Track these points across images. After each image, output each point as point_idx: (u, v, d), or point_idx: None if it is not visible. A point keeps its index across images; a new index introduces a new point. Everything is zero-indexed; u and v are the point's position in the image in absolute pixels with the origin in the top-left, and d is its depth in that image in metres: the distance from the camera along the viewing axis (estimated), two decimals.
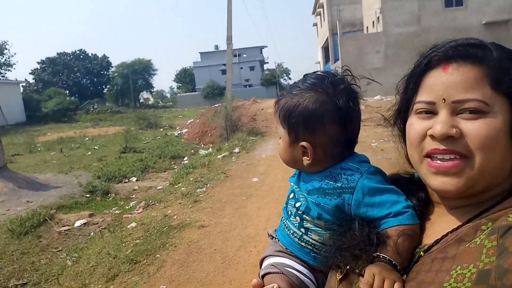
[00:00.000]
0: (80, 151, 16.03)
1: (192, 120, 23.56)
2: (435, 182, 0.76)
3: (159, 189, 8.93)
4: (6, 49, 46.12)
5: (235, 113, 17.25)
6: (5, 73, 45.39)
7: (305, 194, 0.94)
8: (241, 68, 64.13)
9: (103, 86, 57.56)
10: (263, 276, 0.98)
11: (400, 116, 0.88)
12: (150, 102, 66.13)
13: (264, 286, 0.94)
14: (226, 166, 9.95)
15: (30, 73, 53.15)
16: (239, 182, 8.02)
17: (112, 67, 57.50)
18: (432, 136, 0.76)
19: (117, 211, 7.50)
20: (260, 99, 35.64)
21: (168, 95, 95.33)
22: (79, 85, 54.03)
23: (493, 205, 0.74)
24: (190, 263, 4.28)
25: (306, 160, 0.93)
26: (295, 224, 0.98)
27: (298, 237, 0.97)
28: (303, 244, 0.97)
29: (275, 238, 1.06)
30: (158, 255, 4.57)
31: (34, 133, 23.98)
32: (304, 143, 0.92)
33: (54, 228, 6.48)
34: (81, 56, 55.53)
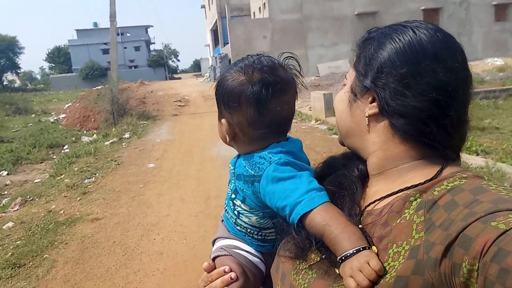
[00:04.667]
0: None
1: (70, 104, 21.39)
2: None
3: (37, 182, 7.93)
4: None
5: (122, 96, 16.12)
6: None
7: (234, 179, 0.96)
8: (125, 48, 59.78)
9: None
10: (213, 259, 1.00)
11: None
12: (16, 85, 57.95)
13: (215, 268, 0.97)
14: (116, 153, 9.30)
15: None
16: (133, 169, 7.57)
17: None
18: None
19: None
20: (148, 81, 34.20)
21: (39, 77, 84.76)
22: None
23: (408, 171, 0.78)
24: (86, 259, 3.89)
25: (227, 138, 0.96)
26: (231, 208, 1.01)
27: (233, 220, 1.01)
28: (238, 227, 1.00)
29: (223, 221, 1.08)
30: (46, 255, 4.04)
31: None
32: (223, 120, 0.95)
33: None
34: None
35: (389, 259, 0.69)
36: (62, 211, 5.40)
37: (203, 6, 45.67)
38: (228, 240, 1.02)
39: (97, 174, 7.35)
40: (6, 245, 4.54)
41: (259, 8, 28.39)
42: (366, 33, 0.85)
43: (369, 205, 0.80)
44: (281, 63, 0.94)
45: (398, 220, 0.72)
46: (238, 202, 0.97)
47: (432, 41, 0.74)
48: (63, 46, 62.80)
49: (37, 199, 6.47)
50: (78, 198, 5.92)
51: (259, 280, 1.00)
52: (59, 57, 62.09)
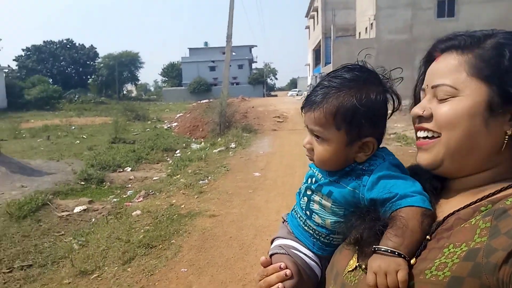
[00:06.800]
0: (68, 139, 15.69)
1: (181, 114, 23.38)
2: (418, 157, 0.86)
3: (155, 179, 8.85)
4: None
5: (229, 110, 17.22)
6: None
7: (326, 175, 0.93)
8: (230, 65, 63.81)
9: (88, 77, 56.42)
10: (271, 256, 1.00)
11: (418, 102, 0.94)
12: (133, 95, 65.16)
13: (271, 264, 0.97)
14: (224, 160, 9.92)
15: (13, 60, 51.63)
16: (241, 175, 8.02)
17: (99, 58, 56.44)
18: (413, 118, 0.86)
19: (115, 199, 7.38)
20: (247, 97, 35.89)
21: (152, 89, 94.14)
22: (63, 74, 52.71)
23: (499, 190, 0.76)
24: (207, 249, 4.27)
25: (364, 156, 0.90)
26: (302, 206, 0.99)
27: (303, 220, 0.99)
28: (306, 228, 0.99)
29: (286, 221, 1.08)
30: (173, 241, 4.53)
31: (16, 119, 23.30)
32: (369, 139, 0.88)
33: (55, 212, 6.33)
34: (68, 46, 54.29)
35: (441, 257, 0.69)
36: (182, 206, 5.98)
37: (307, 27, 46.65)
38: (287, 240, 1.02)
39: (209, 177, 7.95)
40: (138, 228, 5.18)
41: (366, 28, 28.01)
42: (474, 37, 0.80)
43: (447, 217, 0.77)
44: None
45: (463, 224, 0.72)
46: (317, 198, 0.94)
47: None
48: (176, 62, 69.34)
49: (158, 193, 7.23)
50: (195, 196, 6.48)
51: (313, 283, 0.99)
52: (172, 72, 68.62)
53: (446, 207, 0.82)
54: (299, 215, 1.00)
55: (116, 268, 4.01)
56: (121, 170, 9.99)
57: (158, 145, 13.36)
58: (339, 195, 0.89)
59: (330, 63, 26.39)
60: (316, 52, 38.77)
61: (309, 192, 0.96)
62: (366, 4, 24.27)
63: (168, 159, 11.60)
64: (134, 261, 4.10)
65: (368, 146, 0.89)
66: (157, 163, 11.32)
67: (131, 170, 10.09)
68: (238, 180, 7.62)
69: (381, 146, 0.94)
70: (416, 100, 0.92)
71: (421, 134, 0.83)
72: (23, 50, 52.39)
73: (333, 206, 0.91)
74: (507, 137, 0.76)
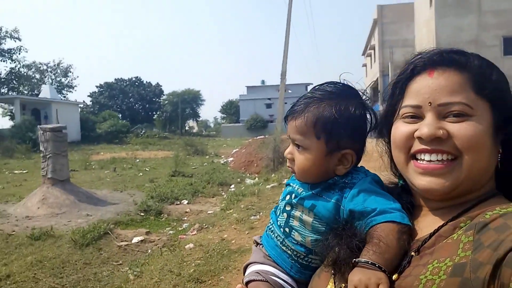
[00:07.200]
0: (132, 172, 16.64)
1: (237, 149, 23.93)
2: (422, 182, 0.77)
3: (210, 213, 9.03)
4: (71, 72, 50.05)
5: (282, 146, 17.32)
6: (67, 94, 49.01)
7: (308, 188, 0.92)
8: (285, 103, 64.62)
9: (154, 112, 60.23)
10: (247, 283, 0.95)
11: (386, 122, 0.89)
12: (194, 130, 68.05)
13: None
14: (277, 196, 9.85)
15: (88, 96, 56.80)
16: None
17: (164, 95, 60.28)
18: (419, 139, 0.77)
19: (171, 231, 7.62)
20: None
21: (212, 125, 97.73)
22: (131, 110, 56.86)
23: (474, 204, 0.75)
24: None
25: (343, 169, 0.90)
26: (281, 223, 0.96)
27: (281, 240, 0.96)
28: (283, 248, 0.95)
29: (260, 245, 1.04)
30: (222, 277, 4.56)
31: (88, 151, 25.30)
32: (348, 151, 0.89)
33: (115, 242, 6.67)
34: (136, 83, 58.76)
35: (426, 272, 0.68)
36: (233, 241, 6.01)
37: (364, 65, 46.40)
38: (263, 266, 0.97)
39: (261, 213, 7.95)
40: (189, 262, 5.27)
41: None
42: (466, 54, 0.80)
43: (433, 234, 0.76)
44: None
45: (445, 240, 0.72)
46: (298, 213, 0.92)
47: None
48: (234, 100, 71.91)
49: (211, 227, 7.35)
50: (246, 232, 6.50)
51: None
52: (230, 109, 71.14)
53: (423, 224, 0.81)
54: (276, 234, 0.97)
55: None
56: (179, 202, 10.35)
57: (214, 179, 13.71)
58: (323, 209, 0.88)
59: None
60: (374, 90, 38.22)
61: (288, 208, 0.95)
62: (426, 41, 23.70)
63: (223, 193, 11.83)
64: None
65: (347, 159, 0.90)
66: (213, 197, 11.58)
67: (187, 203, 10.40)
68: None
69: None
70: (387, 117, 0.88)
71: (433, 157, 0.76)
72: (96, 87, 57.43)
73: (314, 221, 0.89)
74: (499, 156, 0.77)
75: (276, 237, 0.97)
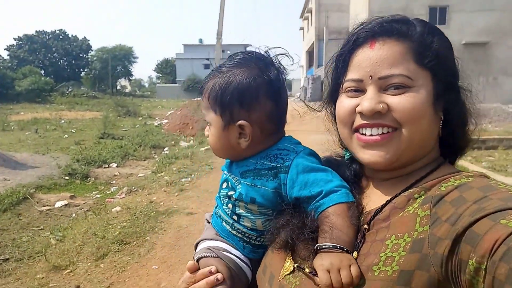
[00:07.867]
0: (56, 133, 15.63)
1: (172, 111, 23.33)
2: (365, 155, 0.78)
3: (140, 176, 8.89)
4: None
5: None
6: None
7: (239, 177, 0.90)
8: None
9: (81, 70, 56.02)
10: (198, 260, 0.93)
11: (333, 97, 0.88)
12: (127, 90, 64.77)
13: (199, 269, 0.91)
14: (210, 159, 9.98)
15: (5, 49, 51.12)
16: None
17: (92, 50, 56.06)
18: (361, 114, 0.77)
19: (98, 195, 7.43)
20: None
21: (146, 85, 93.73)
22: (55, 66, 52.27)
23: (425, 174, 0.76)
24: (181, 246, 4.35)
25: (244, 142, 0.87)
26: (227, 212, 0.94)
27: (230, 224, 0.94)
28: (234, 232, 0.93)
29: (210, 222, 1.02)
30: (147, 238, 4.61)
31: (6, 111, 23.15)
32: (241, 122, 0.86)
33: (35, 207, 6.36)
34: (61, 36, 53.80)
35: (386, 250, 0.67)
36: (162, 203, 6.05)
37: (301, 28, 46.76)
38: (216, 242, 0.95)
39: (193, 175, 8.02)
40: (115, 224, 5.24)
41: None
42: (408, 22, 0.78)
43: (384, 206, 0.77)
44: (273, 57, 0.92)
45: (401, 214, 0.71)
46: (242, 204, 0.90)
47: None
48: (170, 58, 69.07)
49: (140, 190, 7.28)
50: (176, 194, 6.56)
51: (244, 287, 0.94)
52: (166, 68, 68.42)
53: (374, 196, 0.81)
54: (224, 219, 0.95)
55: (89, 263, 4.08)
56: (107, 166, 10.01)
57: (146, 142, 13.37)
58: (262, 199, 0.86)
59: (323, 65, 26.53)
60: (310, 54, 38.95)
61: (232, 199, 0.92)
62: (360, 7, 24.40)
63: (156, 156, 11.63)
64: (107, 257, 4.17)
65: (244, 131, 0.87)
66: (144, 160, 11.34)
67: (116, 166, 10.10)
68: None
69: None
70: (333, 93, 0.87)
71: (374, 131, 0.76)
72: (14, 39, 51.92)
73: (260, 208, 0.88)
74: (441, 122, 0.78)
75: (225, 221, 0.95)
